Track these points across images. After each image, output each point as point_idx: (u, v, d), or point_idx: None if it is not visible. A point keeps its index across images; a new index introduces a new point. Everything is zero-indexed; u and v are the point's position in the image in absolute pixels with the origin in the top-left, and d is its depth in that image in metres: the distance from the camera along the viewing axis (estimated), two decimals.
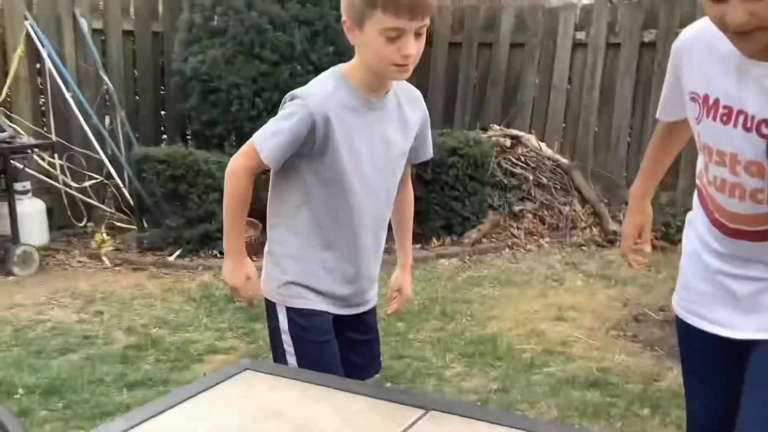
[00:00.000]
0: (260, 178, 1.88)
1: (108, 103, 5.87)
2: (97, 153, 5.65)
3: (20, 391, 3.17)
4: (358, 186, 1.82)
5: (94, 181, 5.69)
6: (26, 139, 5.29)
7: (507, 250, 5.49)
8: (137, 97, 6.28)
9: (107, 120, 5.85)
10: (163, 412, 1.26)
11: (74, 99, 5.57)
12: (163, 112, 6.50)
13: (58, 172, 5.59)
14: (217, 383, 1.39)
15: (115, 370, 3.42)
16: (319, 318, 1.87)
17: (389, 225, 2.04)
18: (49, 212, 5.44)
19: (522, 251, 5.50)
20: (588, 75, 6.33)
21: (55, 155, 5.56)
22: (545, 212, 5.83)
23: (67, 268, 5.06)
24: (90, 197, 5.71)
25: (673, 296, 1.90)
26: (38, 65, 5.64)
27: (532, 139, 6.13)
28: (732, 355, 1.74)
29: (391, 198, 1.93)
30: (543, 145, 6.16)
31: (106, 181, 5.74)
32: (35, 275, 4.84)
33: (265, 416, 1.30)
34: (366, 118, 1.80)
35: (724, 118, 1.57)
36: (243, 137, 5.21)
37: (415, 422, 1.27)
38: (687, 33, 1.70)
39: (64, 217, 5.69)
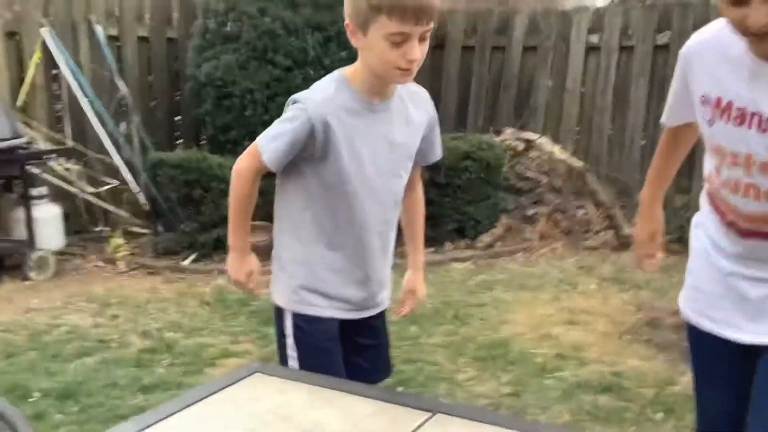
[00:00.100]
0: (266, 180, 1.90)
1: (123, 109, 5.91)
2: (113, 158, 5.69)
3: (36, 394, 3.20)
4: (361, 189, 1.82)
5: (109, 186, 5.73)
6: (42, 145, 5.35)
7: (520, 253, 5.49)
8: (152, 103, 6.33)
9: (123, 125, 5.90)
10: (172, 414, 1.28)
11: (90, 105, 5.62)
12: (178, 118, 6.54)
13: (75, 177, 5.64)
14: (227, 386, 1.41)
15: (129, 374, 3.44)
16: (324, 324, 1.87)
17: (400, 227, 2.04)
18: (66, 217, 5.48)
19: (535, 255, 5.49)
20: (601, 78, 6.32)
21: (72, 161, 5.62)
22: (559, 216, 5.82)
23: (83, 272, 5.11)
24: (106, 202, 5.76)
25: (680, 299, 1.90)
26: (54, 72, 5.69)
27: (545, 143, 6.12)
28: (742, 357, 1.74)
29: (397, 200, 1.93)
30: (556, 148, 6.15)
31: (121, 186, 5.78)
32: (51, 280, 4.89)
33: (274, 419, 1.32)
34: (368, 121, 1.80)
35: (738, 120, 1.58)
36: None
37: (421, 425, 1.28)
38: (696, 38, 1.70)
39: (81, 222, 5.74)
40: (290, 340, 1.87)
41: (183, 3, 6.36)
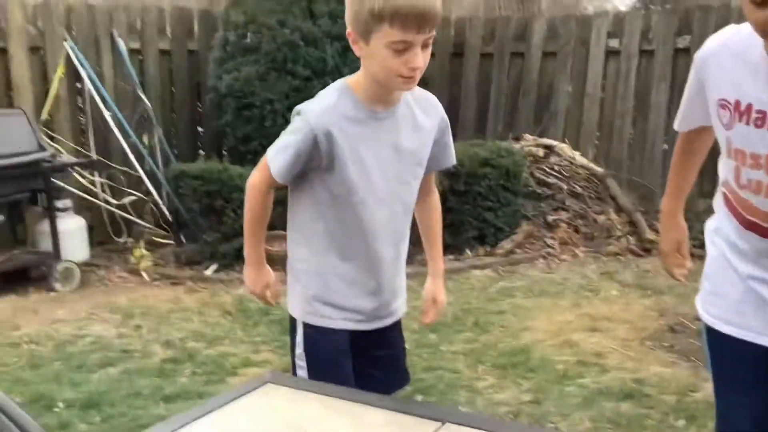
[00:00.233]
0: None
1: (146, 121, 5.99)
2: (136, 170, 5.77)
3: (60, 404, 3.24)
4: (369, 197, 1.80)
5: (133, 198, 5.81)
6: (66, 157, 5.43)
7: (541, 260, 5.47)
8: (174, 115, 6.40)
9: (145, 138, 5.98)
10: (182, 426, 1.30)
11: (113, 118, 5.71)
12: (200, 129, 6.62)
13: (99, 189, 5.73)
14: (239, 397, 1.42)
15: (152, 384, 3.48)
16: (335, 336, 1.86)
17: (418, 235, 2.04)
18: (90, 229, 5.56)
19: (556, 261, 5.47)
20: (622, 82, 6.30)
21: (95, 173, 5.70)
22: (580, 222, 5.80)
23: (108, 283, 5.17)
24: (129, 213, 5.83)
25: (698, 303, 1.89)
26: (78, 85, 5.78)
27: (565, 148, 6.11)
28: (762, 360, 1.74)
29: (408, 208, 1.91)
30: (577, 154, 6.13)
31: (144, 198, 5.86)
32: (76, 291, 4.95)
33: (286, 429, 1.33)
34: (373, 129, 1.78)
35: (758, 122, 1.59)
36: None
37: None
38: (713, 42, 1.72)
39: (105, 234, 5.82)
40: (300, 351, 1.87)
41: (203, 16, 6.45)
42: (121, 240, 5.85)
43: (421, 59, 1.66)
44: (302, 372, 1.86)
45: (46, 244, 5.02)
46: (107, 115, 5.68)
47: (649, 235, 5.55)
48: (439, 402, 3.26)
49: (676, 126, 1.97)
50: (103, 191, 5.75)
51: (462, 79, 6.82)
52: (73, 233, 5.19)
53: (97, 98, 5.65)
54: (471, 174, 5.34)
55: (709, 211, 1.95)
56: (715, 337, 1.84)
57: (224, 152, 6.30)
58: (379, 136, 1.79)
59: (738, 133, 1.65)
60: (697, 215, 2.00)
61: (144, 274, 5.22)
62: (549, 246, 5.62)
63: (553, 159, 6.02)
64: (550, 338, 3.99)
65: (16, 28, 5.41)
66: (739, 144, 1.66)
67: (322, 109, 1.75)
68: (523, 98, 6.67)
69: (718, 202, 1.84)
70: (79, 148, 5.77)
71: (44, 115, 5.56)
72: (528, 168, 5.84)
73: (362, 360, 1.93)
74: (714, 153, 1.98)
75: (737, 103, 1.63)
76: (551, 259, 5.50)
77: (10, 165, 4.74)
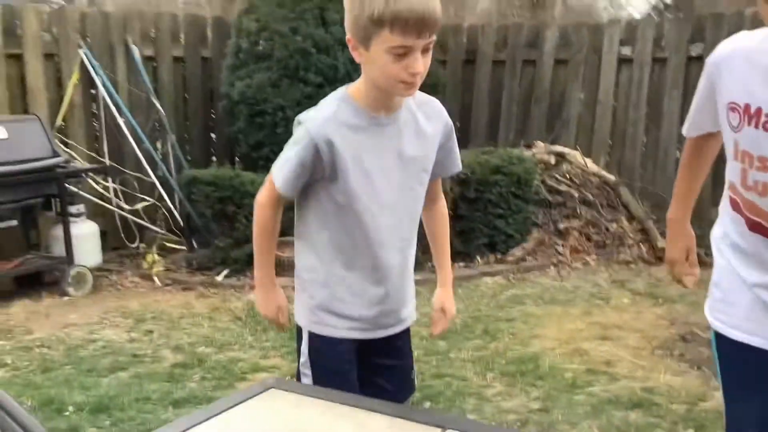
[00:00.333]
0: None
1: (159, 128, 6.04)
2: (149, 176, 5.81)
3: (70, 408, 3.27)
4: (373, 205, 1.78)
5: (146, 204, 5.85)
6: (80, 163, 5.48)
7: (552, 267, 5.46)
8: (188, 121, 6.44)
9: (159, 144, 6.02)
10: (186, 430, 1.31)
11: (127, 124, 5.75)
12: (213, 135, 6.65)
13: (112, 195, 5.77)
14: (243, 401, 1.43)
15: (161, 388, 3.50)
16: (340, 346, 1.85)
17: (426, 243, 2.03)
18: (103, 234, 5.61)
19: (567, 269, 5.46)
20: (634, 90, 6.28)
21: (109, 179, 5.75)
22: (591, 229, 5.79)
23: (120, 288, 5.20)
24: (142, 219, 5.87)
25: (707, 311, 1.90)
26: (92, 92, 5.84)
27: (577, 156, 6.10)
28: None
29: (414, 215, 1.88)
30: (589, 161, 6.12)
31: (157, 203, 5.90)
32: (89, 296, 4.99)
33: None
34: (375, 136, 1.77)
35: (767, 126, 1.61)
36: None
37: None
38: (725, 47, 1.75)
39: (118, 239, 5.86)
40: (305, 359, 1.86)
41: (217, 23, 6.50)
42: (134, 245, 5.88)
43: (421, 64, 1.64)
44: (307, 380, 1.85)
45: (59, 249, 5.06)
46: (121, 121, 5.73)
47: (662, 243, 5.51)
48: (447, 409, 3.27)
49: (684, 131, 1.99)
50: (117, 197, 5.80)
51: (474, 87, 6.83)
52: (86, 238, 5.23)
53: (111, 105, 5.69)
54: (482, 181, 5.34)
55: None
56: (724, 344, 1.84)
57: (237, 159, 6.33)
58: (381, 143, 1.78)
59: (746, 136, 1.67)
60: (710, 224, 2.00)
61: (156, 279, 5.25)
62: (560, 254, 5.61)
63: (564, 166, 6.01)
64: (559, 346, 3.98)
65: (32, 35, 5.47)
66: (747, 147, 1.68)
67: (323, 118, 1.74)
68: (535, 106, 6.66)
69: (723, 205, 1.85)
70: (93, 154, 5.82)
71: (59, 122, 5.61)
72: (539, 175, 5.83)
73: (369, 369, 1.91)
74: (725, 162, 1.99)
75: (747, 107, 1.65)
76: (562, 267, 5.48)
77: (25, 170, 4.79)
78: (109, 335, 4.26)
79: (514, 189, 5.47)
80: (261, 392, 1.47)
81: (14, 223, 4.98)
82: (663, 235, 5.66)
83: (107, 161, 5.78)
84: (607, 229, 5.77)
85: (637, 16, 6.70)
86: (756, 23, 1.74)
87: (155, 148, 5.90)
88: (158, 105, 5.95)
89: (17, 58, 5.47)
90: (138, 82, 5.95)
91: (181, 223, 5.73)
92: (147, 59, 6.07)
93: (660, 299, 4.73)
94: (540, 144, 6.21)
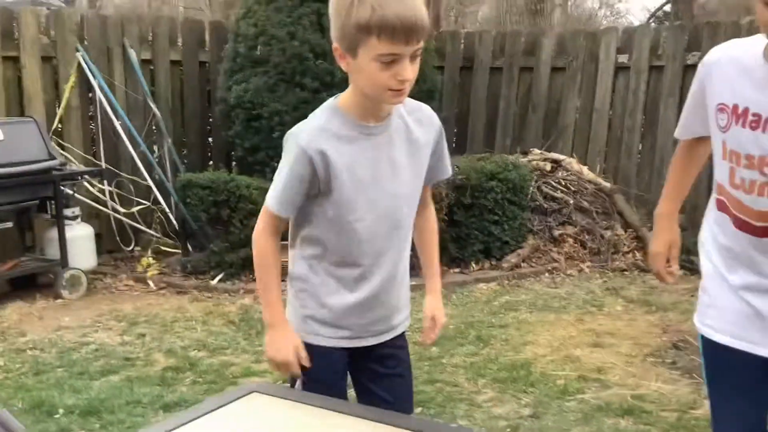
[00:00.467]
0: None
1: (156, 131, 6.05)
2: (145, 179, 5.82)
3: (60, 411, 3.27)
4: (368, 214, 1.76)
5: (141, 207, 5.86)
6: (76, 166, 5.49)
7: (546, 274, 5.47)
8: (185, 125, 6.44)
9: (155, 147, 6.03)
10: None
11: (123, 127, 5.76)
12: (210, 139, 6.66)
13: (108, 198, 5.77)
14: (224, 405, 1.44)
15: (152, 392, 3.49)
16: (330, 356, 1.82)
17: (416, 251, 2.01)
18: (98, 237, 5.61)
19: (562, 276, 5.46)
20: (631, 98, 6.29)
21: (105, 182, 5.75)
22: (586, 236, 5.79)
23: (114, 291, 5.20)
24: (137, 222, 5.87)
25: (695, 317, 1.93)
26: (89, 95, 5.84)
27: (573, 163, 6.11)
28: (760, 371, 1.80)
29: (408, 222, 1.86)
30: (584, 168, 6.12)
31: (153, 207, 5.90)
32: (82, 298, 4.99)
33: None
34: (367, 145, 1.74)
35: (754, 125, 1.70)
36: None
37: None
38: (716, 51, 1.84)
39: (113, 242, 5.86)
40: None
41: (215, 27, 6.51)
42: (129, 248, 5.88)
43: (410, 71, 1.63)
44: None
45: (53, 252, 5.07)
46: (117, 124, 5.73)
47: None
48: (438, 415, 3.27)
49: (676, 134, 2.06)
50: (112, 200, 5.80)
51: (471, 93, 6.84)
52: (80, 241, 5.22)
53: (108, 108, 5.70)
54: (477, 187, 5.35)
55: None
56: (710, 347, 1.88)
57: (234, 162, 6.34)
58: (373, 152, 1.75)
59: (733, 136, 1.75)
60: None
61: (150, 283, 5.26)
62: (555, 260, 5.61)
63: (560, 173, 6.02)
64: (551, 353, 3.98)
65: (29, 37, 5.47)
66: (735, 146, 1.75)
67: (313, 129, 1.72)
68: (532, 113, 6.68)
69: (710, 209, 1.92)
70: (90, 157, 5.82)
71: (55, 124, 5.61)
72: (535, 182, 5.84)
73: (366, 377, 1.90)
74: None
75: (735, 107, 1.73)
76: (557, 274, 5.49)
77: (20, 173, 4.80)
78: (102, 338, 4.26)
79: (510, 195, 5.47)
80: (242, 396, 1.47)
81: (9, 225, 4.99)
82: None
83: (103, 164, 5.78)
84: (602, 237, 5.78)
85: (637, 22, 6.69)
86: (752, 32, 1.80)
87: (152, 152, 5.90)
88: (155, 108, 5.96)
89: (14, 61, 5.47)
90: (135, 85, 5.97)
91: (177, 227, 5.74)
92: (144, 63, 6.08)
93: (653, 307, 4.73)
94: (536, 151, 6.22)
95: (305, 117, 1.80)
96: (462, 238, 5.45)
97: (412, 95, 1.77)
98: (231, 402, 1.45)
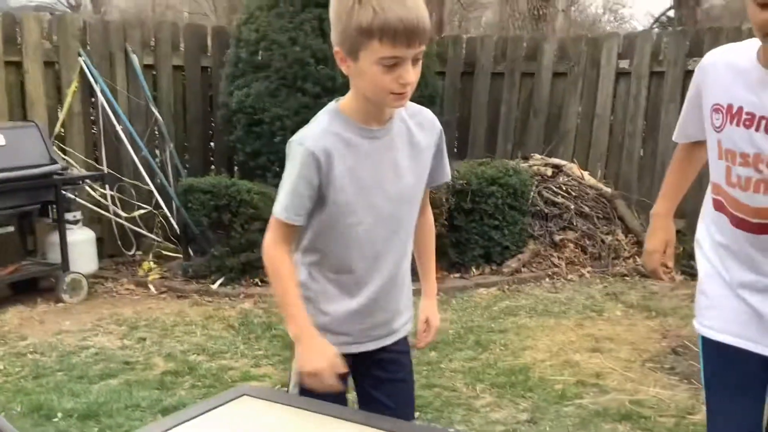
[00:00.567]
0: None
1: (158, 136, 6.07)
2: (147, 184, 5.84)
3: (59, 414, 3.28)
4: (368, 217, 1.75)
5: (143, 211, 5.87)
6: (77, 170, 5.51)
7: (547, 279, 5.47)
8: (187, 130, 6.46)
9: (157, 152, 6.05)
10: None
11: (125, 132, 5.78)
12: (212, 144, 6.68)
13: (109, 202, 5.79)
14: (214, 408, 1.44)
15: (151, 396, 3.50)
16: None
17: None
18: (100, 241, 5.63)
19: (562, 281, 5.46)
20: (632, 103, 6.29)
21: (106, 186, 5.77)
22: (587, 241, 5.79)
23: (115, 295, 5.22)
24: (139, 227, 5.89)
25: (695, 321, 1.96)
26: (92, 99, 5.87)
27: (574, 168, 6.11)
28: (756, 370, 1.84)
29: (409, 226, 1.85)
30: (585, 174, 6.13)
31: (154, 211, 5.92)
32: (83, 302, 5.00)
33: None
34: (369, 149, 1.73)
35: (747, 123, 1.77)
36: (285, 167, 5.36)
37: None
38: (711, 54, 1.92)
39: (114, 246, 5.88)
40: (293, 373, 1.81)
41: (217, 33, 6.53)
42: (131, 253, 5.90)
43: (412, 74, 1.62)
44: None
45: (55, 256, 5.08)
46: (119, 129, 5.76)
47: None
48: (435, 420, 3.27)
49: (674, 137, 2.11)
50: (114, 204, 5.82)
51: (473, 98, 6.85)
52: (81, 245, 5.24)
53: (110, 113, 5.73)
54: (478, 192, 5.36)
55: None
56: (711, 347, 1.91)
57: (236, 167, 6.36)
58: (375, 156, 1.74)
59: (728, 135, 1.81)
60: None
61: (151, 287, 5.27)
62: (555, 265, 5.61)
63: (561, 178, 6.02)
64: (550, 358, 3.98)
65: (32, 42, 5.50)
66: (730, 145, 1.81)
67: (318, 132, 1.71)
68: (534, 118, 6.68)
69: (705, 210, 1.97)
70: (92, 162, 5.85)
71: (57, 129, 5.64)
72: (536, 187, 5.84)
73: (368, 382, 1.89)
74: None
75: (729, 107, 1.80)
76: (557, 279, 5.49)
77: (22, 177, 4.82)
78: (102, 342, 4.27)
79: (510, 200, 5.47)
80: (234, 398, 1.48)
81: (11, 229, 5.01)
82: None
83: (105, 169, 5.80)
84: (603, 242, 5.78)
85: (640, 28, 6.70)
86: (753, 38, 1.82)
87: (153, 156, 5.92)
88: (157, 113, 5.98)
89: (17, 66, 5.50)
90: (137, 90, 5.99)
91: (178, 231, 5.75)
92: (147, 68, 6.10)
93: (653, 312, 4.72)
94: (537, 156, 6.23)
95: (306, 122, 1.79)
96: (462, 243, 5.46)
97: (413, 100, 1.78)
98: (221, 405, 1.45)
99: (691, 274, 4.49)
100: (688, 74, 6.00)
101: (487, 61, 6.80)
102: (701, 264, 1.97)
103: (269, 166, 5.59)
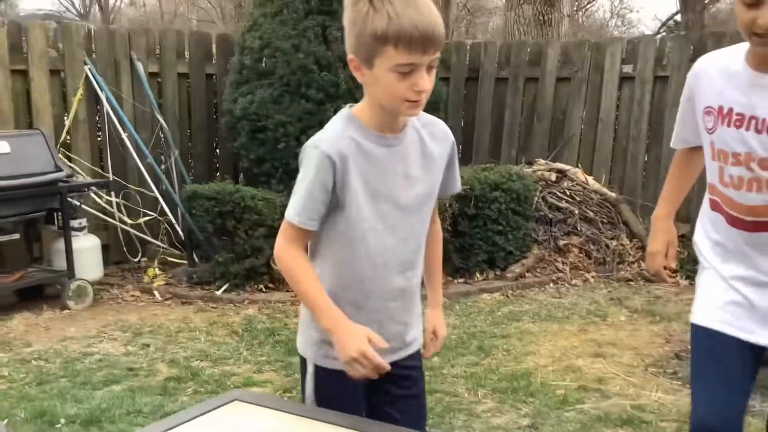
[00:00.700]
0: None
1: (163, 143, 6.10)
2: (152, 191, 5.87)
3: (62, 421, 3.30)
4: (379, 227, 1.73)
5: (148, 218, 5.90)
6: (83, 178, 5.54)
7: (551, 284, 5.46)
8: (192, 137, 6.49)
9: (162, 159, 6.08)
10: None
11: (130, 139, 5.82)
12: (217, 151, 6.71)
13: (115, 209, 5.83)
14: (205, 413, 1.45)
15: (153, 402, 3.52)
16: (346, 379, 1.72)
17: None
18: (106, 248, 5.66)
19: (567, 286, 5.45)
20: (636, 108, 6.29)
21: (112, 193, 5.80)
22: (591, 246, 5.78)
23: (120, 301, 5.24)
24: (144, 233, 5.92)
25: (691, 314, 2.02)
26: (97, 107, 5.90)
27: (578, 173, 6.11)
28: (748, 360, 1.90)
29: (419, 236, 1.82)
30: (590, 178, 6.13)
31: (159, 218, 5.95)
32: (88, 309, 5.02)
33: None
34: (382, 156, 1.71)
35: (738, 123, 1.84)
36: (289, 173, 5.39)
37: None
38: (703, 60, 2.01)
39: (120, 253, 5.91)
40: (311, 392, 1.79)
41: (222, 40, 6.57)
42: (136, 259, 5.93)
43: (427, 82, 1.61)
44: None
45: (60, 263, 5.11)
46: (125, 136, 5.79)
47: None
48: (436, 425, 3.27)
49: (671, 143, 2.18)
50: (119, 211, 5.85)
51: (477, 104, 6.87)
52: (87, 252, 5.27)
53: (115, 120, 5.77)
54: (481, 197, 5.36)
55: None
56: (701, 333, 1.97)
57: (240, 174, 6.38)
58: (388, 163, 1.73)
59: (720, 136, 1.88)
60: None
61: (156, 293, 5.29)
62: (560, 270, 5.60)
63: (565, 183, 6.02)
64: (552, 363, 3.98)
65: (38, 51, 5.54)
66: (722, 145, 1.89)
67: (333, 135, 1.70)
68: (538, 123, 6.68)
69: (703, 211, 2.04)
70: (97, 169, 5.88)
71: (63, 136, 5.67)
72: (540, 192, 5.84)
73: (379, 398, 1.85)
74: None
75: (720, 109, 1.88)
76: (561, 284, 5.48)
77: (27, 185, 4.85)
78: (106, 348, 4.29)
79: (514, 206, 5.48)
80: (225, 404, 1.49)
81: (17, 236, 5.05)
82: None
83: (111, 176, 5.83)
84: (607, 247, 5.77)
85: (648, 32, 6.70)
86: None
87: (159, 163, 5.96)
88: (162, 120, 6.02)
89: (23, 74, 5.54)
90: (142, 97, 6.03)
91: (183, 238, 5.78)
92: (152, 75, 6.14)
93: (657, 317, 4.72)
94: (541, 161, 6.23)
95: (310, 128, 1.79)
96: (466, 249, 5.46)
97: None
98: (211, 410, 1.46)
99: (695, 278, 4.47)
100: None
101: (491, 67, 6.82)
102: (701, 261, 2.04)
103: (273, 173, 5.61)
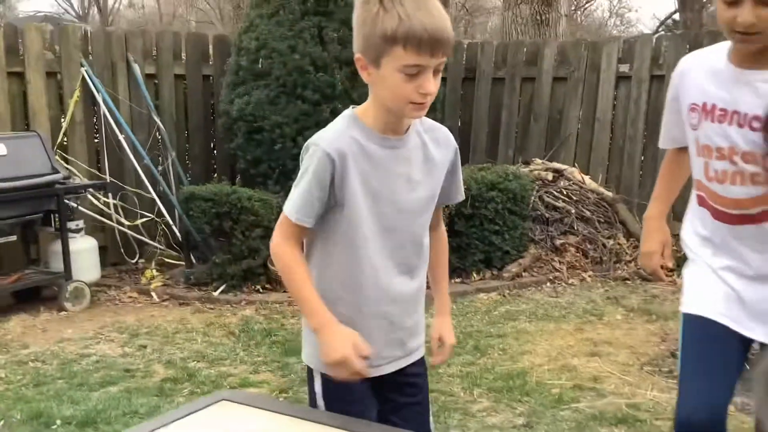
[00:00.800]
0: None
1: (160, 144, 6.11)
2: (149, 192, 5.87)
3: (58, 422, 3.30)
4: (378, 230, 1.73)
5: (145, 219, 5.91)
6: (80, 179, 5.55)
7: (548, 284, 5.46)
8: (189, 138, 6.50)
9: (159, 160, 6.09)
10: None
11: (127, 141, 5.83)
12: (214, 152, 6.72)
13: (112, 210, 5.83)
14: (192, 413, 1.46)
15: (150, 403, 3.53)
16: (353, 386, 1.73)
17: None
18: (103, 249, 5.67)
19: (563, 285, 5.46)
20: (632, 107, 6.30)
21: (109, 195, 5.81)
22: (588, 246, 5.79)
23: (117, 303, 5.25)
24: (142, 235, 5.93)
25: (682, 307, 2.07)
26: (94, 109, 5.91)
27: (575, 173, 6.11)
28: (736, 351, 1.93)
29: (419, 241, 1.81)
30: (587, 178, 6.13)
31: (157, 219, 5.95)
32: (86, 310, 5.03)
33: None
34: (384, 158, 1.71)
35: (721, 119, 1.89)
36: (286, 174, 5.40)
37: None
38: (686, 59, 2.05)
39: (117, 254, 5.92)
40: (320, 401, 1.78)
41: (218, 41, 6.58)
42: (133, 261, 5.94)
43: (433, 85, 1.61)
44: None
45: (57, 264, 5.11)
46: (121, 138, 5.80)
47: None
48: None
49: (660, 144, 2.21)
50: (117, 213, 5.86)
51: (474, 104, 6.87)
52: (84, 254, 5.27)
53: (112, 122, 5.77)
54: (478, 197, 5.36)
55: None
56: (690, 323, 2.01)
57: (237, 175, 6.39)
58: (390, 166, 1.72)
59: (704, 131, 1.93)
60: None
61: (153, 295, 5.30)
62: (557, 270, 5.61)
63: (562, 183, 6.03)
64: (548, 362, 3.98)
65: (34, 53, 5.55)
66: (706, 140, 1.93)
67: (334, 134, 1.70)
68: (534, 123, 6.69)
69: (690, 207, 2.07)
70: (94, 171, 5.89)
71: (60, 138, 5.68)
72: (537, 192, 5.85)
73: (385, 407, 1.85)
74: None
75: (704, 105, 1.92)
76: (558, 283, 5.49)
77: (24, 186, 4.86)
78: (103, 350, 4.30)
79: (510, 205, 5.48)
80: (212, 404, 1.49)
81: (13, 238, 5.06)
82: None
83: (108, 177, 5.84)
84: (604, 246, 5.78)
85: (647, 31, 6.71)
86: None
87: (156, 165, 5.96)
88: (159, 122, 6.03)
89: (20, 76, 5.55)
90: (139, 99, 6.03)
91: (180, 239, 5.78)
92: (149, 77, 6.14)
93: (653, 315, 4.72)
94: (538, 160, 6.23)
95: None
96: (463, 248, 5.46)
97: None
98: (199, 410, 1.47)
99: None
100: None
101: (487, 67, 6.82)
102: (689, 255, 2.07)
103: (270, 174, 5.61)
